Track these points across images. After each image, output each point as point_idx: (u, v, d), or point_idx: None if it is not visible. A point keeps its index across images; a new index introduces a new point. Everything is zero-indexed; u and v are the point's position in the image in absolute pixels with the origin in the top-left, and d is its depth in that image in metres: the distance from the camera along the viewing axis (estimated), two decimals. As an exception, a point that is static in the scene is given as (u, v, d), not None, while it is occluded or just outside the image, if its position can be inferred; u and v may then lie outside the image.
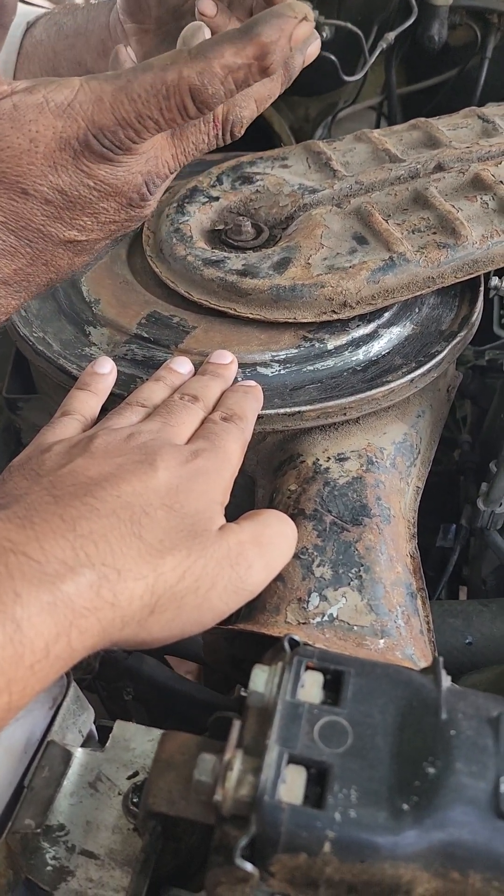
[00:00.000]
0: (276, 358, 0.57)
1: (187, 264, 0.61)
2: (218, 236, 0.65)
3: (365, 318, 0.60)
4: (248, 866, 0.30)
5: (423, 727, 0.32)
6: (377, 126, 1.07)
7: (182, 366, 0.54)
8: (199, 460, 0.43)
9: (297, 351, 0.58)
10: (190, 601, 0.38)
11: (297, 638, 0.35)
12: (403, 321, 0.61)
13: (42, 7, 0.78)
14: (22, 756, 0.40)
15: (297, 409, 0.54)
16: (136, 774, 0.41)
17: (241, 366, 0.56)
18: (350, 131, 0.74)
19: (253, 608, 0.49)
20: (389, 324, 0.61)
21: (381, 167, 0.67)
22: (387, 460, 0.56)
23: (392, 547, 0.51)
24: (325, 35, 0.93)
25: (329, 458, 0.55)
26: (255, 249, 0.63)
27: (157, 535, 0.39)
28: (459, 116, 0.74)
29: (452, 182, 0.65)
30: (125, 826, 0.39)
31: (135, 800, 0.40)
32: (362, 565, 0.49)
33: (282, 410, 0.54)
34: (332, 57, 0.92)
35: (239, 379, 0.55)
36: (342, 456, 0.55)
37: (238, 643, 0.50)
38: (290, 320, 0.58)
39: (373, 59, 0.95)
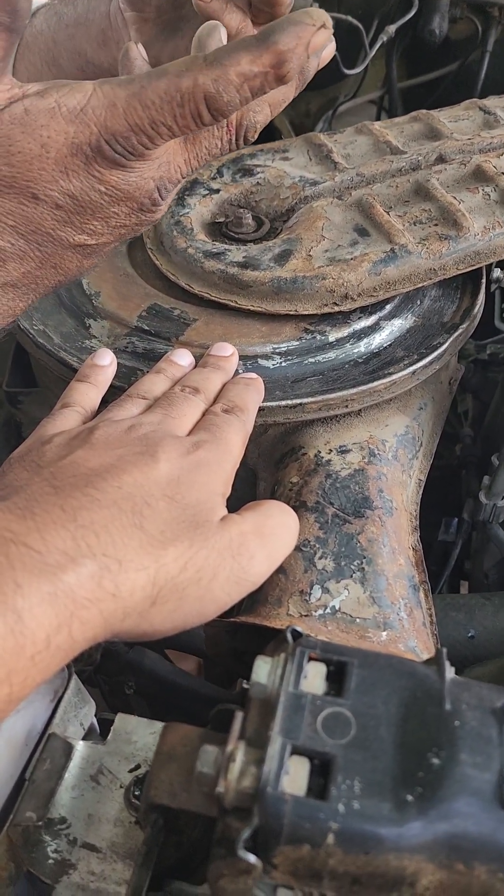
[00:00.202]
0: (277, 350, 0.57)
1: (188, 256, 0.61)
2: (219, 229, 0.65)
3: (366, 311, 0.60)
4: (251, 858, 0.29)
5: (426, 718, 0.32)
6: (378, 120, 1.06)
7: (183, 358, 0.53)
8: (201, 452, 0.43)
9: (298, 343, 0.57)
10: (192, 592, 0.38)
11: (299, 629, 0.35)
12: (405, 313, 0.61)
13: (42, -3, 0.77)
14: (23, 749, 0.40)
15: (298, 401, 0.54)
16: (137, 767, 0.41)
17: (242, 358, 0.56)
18: (351, 125, 0.74)
19: (255, 600, 0.48)
20: (391, 316, 0.60)
21: (383, 159, 0.67)
22: (389, 452, 0.55)
23: (394, 539, 0.51)
24: (325, 28, 0.93)
25: (331, 450, 0.55)
26: (256, 242, 0.63)
27: (158, 525, 0.38)
28: (461, 108, 0.74)
29: (454, 174, 0.65)
30: (127, 819, 0.39)
31: (136, 793, 0.40)
32: (364, 557, 0.49)
33: (283, 402, 0.54)
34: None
35: (240, 371, 0.55)
36: (344, 448, 0.55)
37: (240, 636, 0.50)
38: (292, 312, 0.58)
39: (373, 53, 0.95)
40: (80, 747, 0.41)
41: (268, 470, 0.57)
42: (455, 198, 0.62)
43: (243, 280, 0.58)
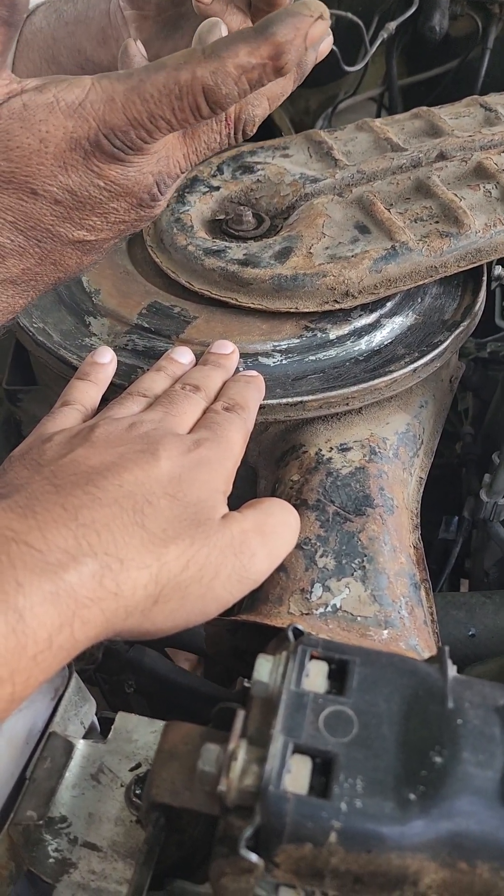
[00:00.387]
0: (277, 348, 0.57)
1: (188, 254, 0.61)
2: (219, 226, 0.64)
3: (367, 308, 0.60)
4: (253, 857, 0.29)
5: (429, 716, 0.32)
6: (378, 117, 1.06)
7: (183, 356, 0.53)
8: (202, 450, 0.43)
9: (298, 341, 0.57)
10: (194, 590, 0.38)
11: (301, 627, 0.35)
12: (406, 311, 0.61)
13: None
14: (24, 747, 0.40)
15: (299, 399, 0.54)
16: (138, 766, 0.41)
17: (242, 356, 0.56)
18: (350, 123, 0.74)
19: (255, 599, 0.48)
20: (392, 313, 0.60)
21: (383, 156, 0.67)
22: (390, 450, 0.55)
23: (395, 537, 0.51)
24: (325, 25, 0.92)
25: (332, 448, 0.55)
26: (257, 239, 0.62)
27: (160, 524, 0.38)
28: (461, 105, 0.74)
29: (455, 171, 0.64)
30: (128, 818, 0.39)
31: (137, 791, 0.39)
32: (365, 556, 0.49)
33: (284, 400, 0.54)
34: (333, 47, 0.91)
35: (241, 369, 0.54)
36: (345, 446, 0.55)
37: (241, 634, 0.50)
38: (292, 310, 0.58)
39: (373, 50, 0.95)
40: (81, 746, 0.41)
41: (268, 468, 0.57)
42: (456, 195, 0.61)
43: (244, 277, 0.58)
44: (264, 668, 0.33)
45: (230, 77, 0.40)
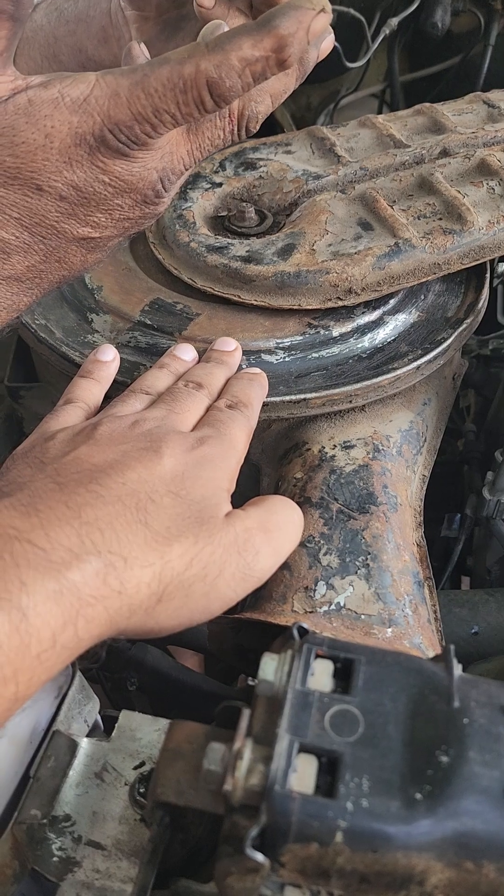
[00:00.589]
0: (280, 345, 0.57)
1: (190, 251, 0.60)
2: (221, 223, 0.64)
3: (370, 305, 0.59)
4: (259, 857, 0.29)
5: (435, 715, 0.32)
6: (379, 114, 1.06)
7: (186, 353, 0.53)
8: (205, 447, 0.43)
9: (301, 338, 0.57)
10: (198, 589, 0.38)
11: (306, 626, 0.35)
12: (409, 308, 0.61)
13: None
14: (27, 746, 0.40)
15: (302, 396, 0.53)
16: (142, 764, 0.41)
17: (245, 353, 0.55)
18: (352, 119, 0.73)
19: (259, 597, 0.48)
20: (395, 311, 0.60)
21: (386, 153, 0.67)
22: (393, 448, 0.55)
23: (399, 535, 0.51)
24: (327, 21, 0.92)
25: (335, 445, 0.54)
26: (259, 236, 0.62)
27: (163, 522, 0.38)
28: (464, 102, 0.73)
29: (458, 167, 0.64)
30: (132, 816, 0.39)
31: (141, 790, 0.39)
32: (369, 553, 0.49)
33: (287, 398, 0.53)
34: (335, 43, 0.91)
35: (243, 366, 0.54)
36: (348, 444, 0.55)
37: (244, 632, 0.50)
38: (295, 307, 0.58)
39: (375, 46, 0.95)
40: (85, 744, 0.41)
41: (271, 465, 0.57)
42: (459, 192, 0.61)
43: (246, 274, 0.58)
44: (269, 667, 0.33)
45: (234, 70, 0.40)
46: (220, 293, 0.59)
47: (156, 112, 0.40)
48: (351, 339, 0.58)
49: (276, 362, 0.56)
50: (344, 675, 0.33)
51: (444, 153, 0.66)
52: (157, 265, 0.63)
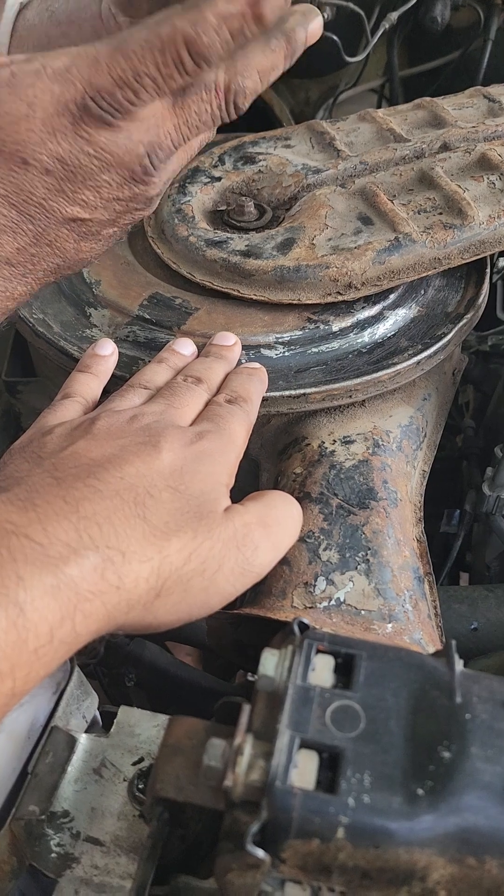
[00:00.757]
0: (280, 340, 0.56)
1: (189, 245, 0.60)
2: (220, 217, 0.64)
3: (370, 300, 0.59)
4: (260, 853, 0.29)
5: (437, 711, 0.31)
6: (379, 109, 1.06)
7: (185, 347, 0.53)
8: (204, 442, 0.43)
9: (301, 333, 0.57)
10: (196, 584, 0.38)
11: (306, 621, 0.35)
12: (409, 303, 0.60)
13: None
14: (25, 742, 0.39)
15: (301, 391, 0.53)
16: (141, 760, 0.41)
17: (244, 348, 0.55)
18: (351, 114, 0.73)
19: (259, 592, 0.48)
20: (395, 306, 0.60)
21: (386, 147, 0.66)
22: (393, 443, 0.55)
23: (399, 531, 0.50)
24: (326, 15, 0.92)
25: (335, 440, 0.54)
26: (259, 230, 0.62)
27: (162, 516, 0.38)
28: (465, 96, 0.73)
29: (458, 162, 0.64)
30: (130, 812, 0.39)
31: (140, 786, 0.39)
32: (369, 549, 0.49)
33: (286, 393, 0.53)
34: (334, 37, 0.90)
35: (243, 361, 0.54)
36: (348, 439, 0.54)
37: (243, 628, 0.49)
38: (295, 302, 0.57)
39: (375, 40, 0.94)
40: (83, 740, 0.40)
41: (271, 460, 0.56)
42: (460, 186, 0.61)
43: (246, 269, 0.58)
44: (270, 663, 0.33)
45: (210, 26, 0.40)
46: (219, 288, 0.58)
47: (136, 75, 0.40)
48: (351, 334, 0.57)
49: (275, 357, 0.55)
50: (345, 671, 0.33)
51: (445, 147, 0.66)
52: (155, 259, 0.62)
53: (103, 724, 0.45)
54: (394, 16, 0.95)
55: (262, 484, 0.57)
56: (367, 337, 0.57)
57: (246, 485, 0.55)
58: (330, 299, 0.57)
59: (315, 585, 0.47)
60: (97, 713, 0.44)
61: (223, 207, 0.65)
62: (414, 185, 0.63)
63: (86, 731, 0.42)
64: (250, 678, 0.38)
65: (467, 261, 0.60)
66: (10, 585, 0.32)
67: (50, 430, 0.44)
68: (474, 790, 0.29)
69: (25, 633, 0.32)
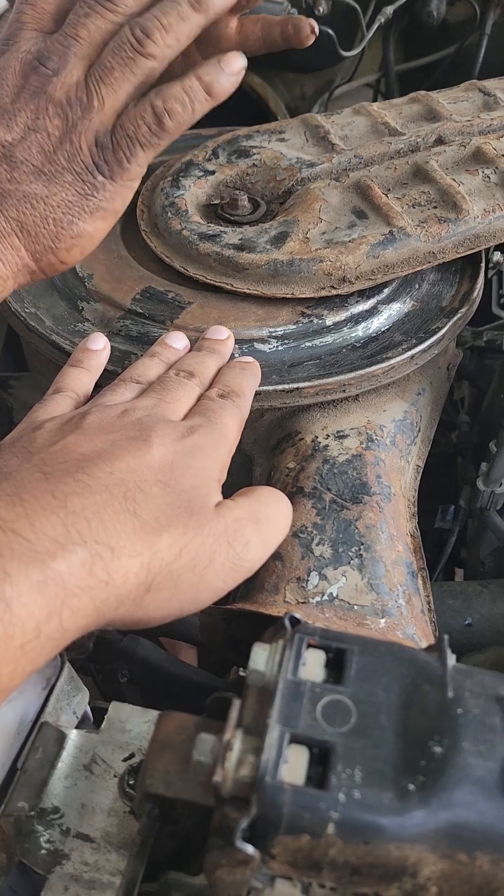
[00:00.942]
0: (273, 334, 0.56)
1: (182, 239, 0.60)
2: (214, 211, 0.63)
3: (364, 294, 0.59)
4: (249, 849, 0.29)
5: (428, 706, 0.31)
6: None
7: (177, 341, 0.52)
8: (196, 436, 0.42)
9: (295, 327, 0.56)
10: (187, 579, 0.37)
11: (297, 616, 0.34)
12: (403, 297, 0.60)
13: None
14: (14, 738, 0.39)
15: (295, 385, 0.53)
16: (131, 756, 0.40)
17: (238, 342, 0.55)
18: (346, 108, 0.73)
19: (251, 587, 0.48)
20: (389, 300, 0.59)
21: (381, 141, 0.66)
22: (387, 438, 0.55)
23: (393, 525, 0.50)
24: (322, 10, 0.91)
25: (328, 435, 0.54)
26: (252, 224, 0.61)
27: (152, 511, 0.38)
28: (460, 90, 0.73)
29: (453, 156, 0.64)
30: (121, 809, 0.39)
31: (131, 782, 0.39)
32: (362, 544, 0.48)
33: (280, 387, 0.53)
34: (330, 31, 0.90)
35: (236, 355, 0.54)
36: (341, 433, 0.54)
37: (236, 624, 0.49)
38: (288, 296, 0.57)
39: (370, 35, 0.94)
40: (74, 736, 0.40)
41: (264, 455, 0.56)
42: (454, 180, 0.61)
43: (239, 262, 0.57)
44: (260, 657, 0.33)
45: None
46: (212, 281, 0.58)
47: None
48: (344, 329, 0.57)
49: (268, 351, 0.55)
50: (336, 666, 0.33)
51: (440, 141, 0.66)
52: (148, 253, 0.62)
53: (94, 720, 0.44)
54: (389, 10, 0.94)
55: (256, 479, 0.57)
56: (360, 331, 0.57)
57: (239, 480, 0.54)
58: (324, 293, 0.57)
59: (308, 580, 0.47)
60: (88, 709, 0.43)
61: (217, 201, 0.64)
62: (408, 178, 0.63)
63: (76, 727, 0.42)
64: (242, 673, 0.38)
65: (462, 255, 0.59)
66: None
67: (40, 425, 0.43)
68: (465, 785, 0.29)
69: (12, 628, 0.32)
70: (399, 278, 0.60)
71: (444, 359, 0.63)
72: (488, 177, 0.61)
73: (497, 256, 0.62)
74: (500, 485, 0.63)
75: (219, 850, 0.30)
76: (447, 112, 0.68)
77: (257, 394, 0.52)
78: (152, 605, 0.37)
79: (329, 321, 0.57)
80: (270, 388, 0.53)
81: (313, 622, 0.44)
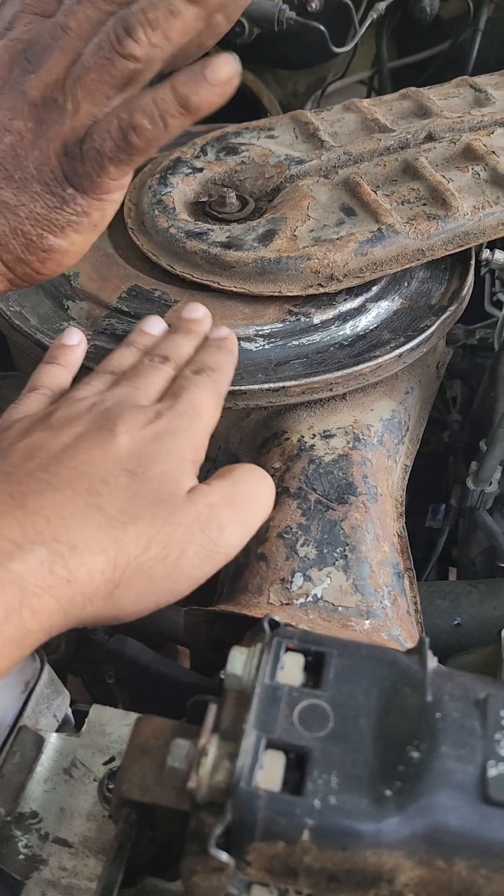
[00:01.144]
0: (260, 332, 0.55)
1: (169, 237, 0.59)
2: (202, 208, 0.63)
3: (352, 292, 0.58)
4: (224, 856, 0.28)
5: (407, 709, 0.31)
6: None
7: (153, 326, 0.51)
8: (164, 420, 0.41)
9: (282, 325, 0.56)
10: (159, 571, 0.37)
11: (277, 618, 0.34)
12: (392, 295, 0.59)
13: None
14: (-8, 742, 0.39)
15: (281, 384, 0.52)
16: (112, 760, 0.40)
17: (224, 340, 0.54)
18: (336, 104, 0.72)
19: (235, 588, 0.47)
20: (377, 298, 0.59)
21: (370, 137, 0.65)
22: (374, 437, 0.54)
23: (379, 526, 0.50)
24: (314, 6, 0.91)
25: (314, 435, 0.53)
26: (240, 221, 0.61)
27: (117, 503, 0.37)
28: (451, 86, 0.72)
29: (443, 152, 0.63)
30: (100, 813, 0.38)
31: (110, 786, 0.38)
32: (348, 544, 0.48)
33: (266, 386, 0.52)
34: (322, 27, 0.89)
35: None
36: (328, 433, 0.54)
37: (220, 625, 0.49)
38: (276, 294, 0.56)
39: (363, 31, 0.93)
40: (53, 739, 0.40)
41: (250, 455, 0.56)
42: (444, 177, 0.60)
43: (226, 260, 0.57)
44: (238, 661, 0.32)
45: None
46: (199, 280, 0.57)
47: None
48: (332, 327, 0.57)
49: (255, 350, 0.55)
50: (315, 669, 0.33)
51: (430, 138, 0.65)
52: (135, 251, 0.61)
53: (76, 724, 0.44)
54: (381, 6, 0.94)
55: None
56: (348, 329, 0.57)
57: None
58: (311, 291, 0.57)
59: (292, 582, 0.46)
60: (69, 712, 0.43)
61: (205, 199, 0.64)
62: (398, 175, 0.62)
63: (57, 730, 0.41)
64: (222, 676, 0.38)
65: (451, 252, 0.59)
66: None
67: (10, 425, 0.43)
68: (444, 790, 0.29)
69: None
70: (388, 276, 0.59)
71: (434, 357, 0.62)
72: (478, 173, 0.61)
73: (486, 254, 0.62)
74: (490, 484, 0.63)
75: (194, 857, 0.30)
76: (438, 108, 0.68)
77: (243, 393, 0.51)
78: (125, 600, 0.36)
79: (316, 319, 0.57)
80: (256, 387, 0.52)
81: (297, 624, 0.44)
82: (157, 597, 0.37)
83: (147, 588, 0.37)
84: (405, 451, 0.57)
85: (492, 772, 0.29)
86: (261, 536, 0.49)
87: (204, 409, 0.43)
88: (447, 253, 0.59)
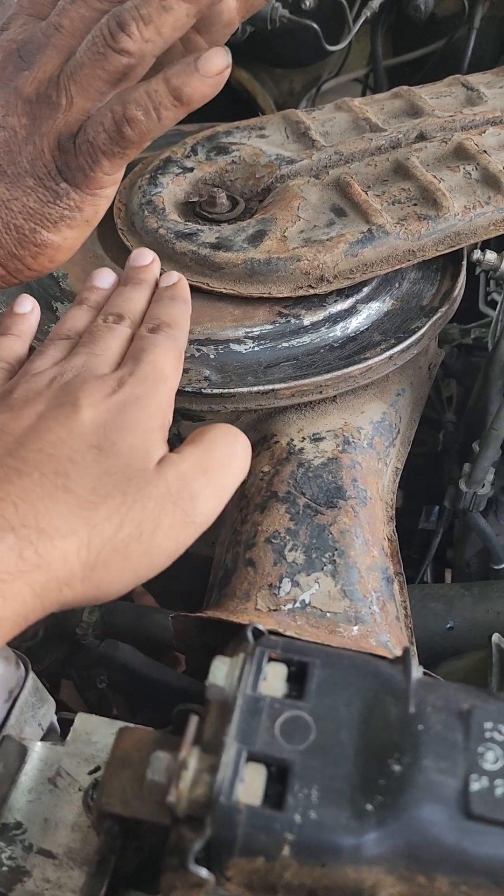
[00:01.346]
0: (250, 334, 0.55)
1: (159, 237, 0.59)
2: (192, 209, 0.62)
3: (343, 293, 0.58)
4: (203, 872, 0.28)
5: (389, 721, 0.30)
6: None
7: (104, 280, 0.49)
8: (127, 387, 0.40)
9: (271, 327, 0.56)
10: (135, 548, 0.36)
11: (260, 627, 0.34)
12: (383, 296, 0.59)
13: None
14: (-25, 752, 0.38)
15: (270, 387, 0.52)
16: (97, 769, 0.39)
17: (213, 342, 0.54)
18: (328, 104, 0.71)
19: (223, 594, 0.47)
20: (368, 299, 0.58)
21: (361, 137, 0.65)
22: (364, 440, 0.54)
23: (368, 530, 0.49)
24: (308, 4, 0.90)
25: (304, 438, 0.53)
26: (230, 222, 0.60)
27: (87, 483, 0.36)
28: (443, 85, 0.72)
29: (434, 152, 0.62)
30: (85, 823, 0.38)
31: (95, 796, 0.38)
32: (336, 549, 0.48)
33: (255, 388, 0.52)
34: (315, 25, 0.89)
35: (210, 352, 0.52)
36: (317, 436, 0.53)
37: (209, 631, 0.48)
38: (265, 295, 0.56)
39: (356, 28, 0.93)
40: (38, 748, 0.39)
41: (239, 459, 0.55)
42: (435, 177, 0.60)
43: (215, 261, 0.56)
44: (220, 671, 0.32)
45: None
46: (188, 281, 0.57)
47: None
48: (322, 328, 0.56)
49: (244, 352, 0.54)
50: (298, 679, 0.32)
51: (421, 137, 0.65)
52: (125, 253, 0.60)
53: (62, 732, 0.43)
54: (375, 4, 0.93)
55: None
56: (339, 331, 0.56)
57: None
58: (301, 293, 0.56)
59: (280, 587, 0.46)
60: (55, 720, 0.43)
61: (195, 199, 0.63)
62: (389, 175, 0.62)
63: (42, 739, 0.41)
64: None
65: (442, 253, 0.58)
66: None
67: None
68: (425, 804, 0.28)
69: None
70: (379, 277, 0.59)
71: (425, 358, 0.62)
72: (469, 173, 0.60)
73: (477, 254, 0.61)
74: (483, 486, 0.63)
75: (174, 872, 0.29)
76: (429, 107, 0.67)
77: (232, 395, 0.51)
78: (104, 581, 0.36)
79: (307, 321, 0.56)
80: (246, 389, 0.52)
81: (285, 630, 0.43)
82: (137, 574, 0.37)
83: (124, 566, 0.36)
84: (396, 453, 0.56)
85: (474, 786, 0.28)
86: (249, 541, 0.48)
87: (166, 369, 0.42)
88: (438, 253, 0.58)
